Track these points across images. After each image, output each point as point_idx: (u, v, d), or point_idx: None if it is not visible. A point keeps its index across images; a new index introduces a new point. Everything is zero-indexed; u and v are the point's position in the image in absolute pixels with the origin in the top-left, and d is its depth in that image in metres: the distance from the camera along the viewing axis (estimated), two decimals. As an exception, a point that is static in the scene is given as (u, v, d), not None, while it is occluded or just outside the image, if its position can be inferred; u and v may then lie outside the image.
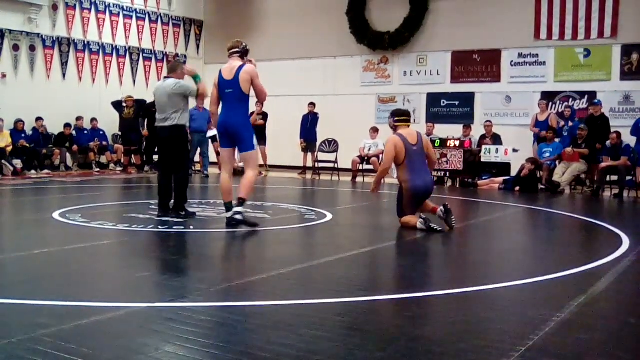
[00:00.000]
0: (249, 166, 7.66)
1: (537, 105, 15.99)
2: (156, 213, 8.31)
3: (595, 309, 4.51)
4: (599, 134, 13.71)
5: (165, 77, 8.56)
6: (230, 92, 7.47)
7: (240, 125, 7.53)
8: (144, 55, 19.69)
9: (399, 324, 3.97)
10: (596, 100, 14.49)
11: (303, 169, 17.66)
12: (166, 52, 20.35)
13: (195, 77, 8.41)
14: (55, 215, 8.37)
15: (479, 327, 3.98)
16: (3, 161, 15.12)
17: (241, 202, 7.45)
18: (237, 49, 7.78)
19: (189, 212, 8.38)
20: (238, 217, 7.36)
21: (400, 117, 8.19)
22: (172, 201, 8.33)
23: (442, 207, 7.72)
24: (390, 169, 8.29)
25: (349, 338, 3.67)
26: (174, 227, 7.53)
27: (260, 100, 7.84)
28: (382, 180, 8.36)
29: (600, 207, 11.85)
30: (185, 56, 20.94)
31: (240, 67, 7.51)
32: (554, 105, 16.06)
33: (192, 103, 17.86)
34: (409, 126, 8.16)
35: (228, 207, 7.60)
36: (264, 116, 17.65)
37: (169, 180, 8.36)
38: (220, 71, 7.71)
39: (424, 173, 7.89)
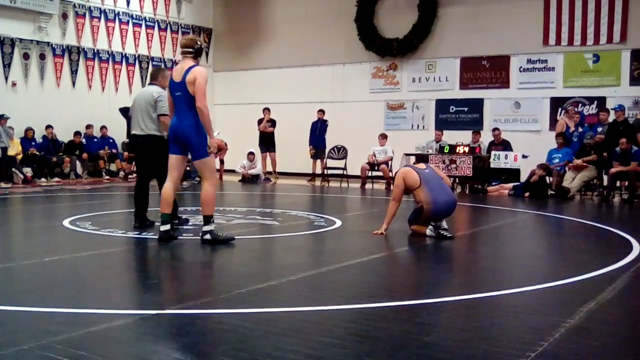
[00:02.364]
0: (204, 177, 7.09)
1: (545, 110, 16.07)
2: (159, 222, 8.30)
3: (605, 315, 4.49)
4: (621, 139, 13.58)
5: (149, 84, 8.27)
6: (179, 95, 6.86)
7: (190, 131, 6.85)
8: (154, 63, 19.75)
9: (409, 331, 3.97)
10: (617, 106, 14.36)
11: (312, 176, 17.68)
12: (175, 60, 20.42)
13: None
14: (66, 222, 8.41)
15: (489, 333, 3.98)
16: (13, 169, 15.22)
17: (206, 219, 7.03)
18: (189, 49, 6.99)
19: (153, 222, 8.08)
20: (207, 237, 6.97)
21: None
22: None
23: (431, 227, 7.69)
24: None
25: (359, 344, 3.67)
26: (184, 235, 7.55)
27: (197, 104, 6.74)
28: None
29: (610, 212, 11.80)
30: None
31: (190, 68, 6.85)
32: (563, 111, 16.02)
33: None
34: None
35: (164, 219, 7.07)
36: (273, 123, 17.71)
37: (146, 189, 8.13)
38: (171, 73, 7.15)
39: (446, 190, 7.83)
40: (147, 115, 7.89)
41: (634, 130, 13.75)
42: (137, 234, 7.52)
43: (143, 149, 8.06)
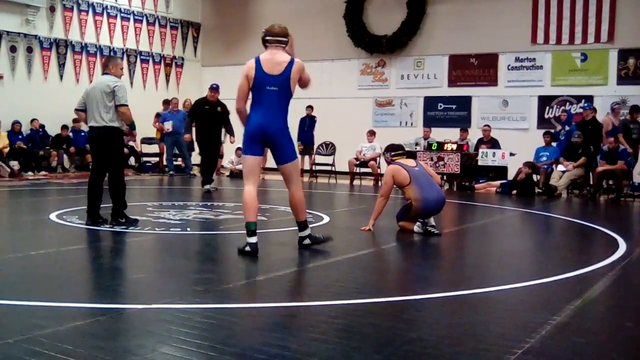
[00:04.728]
0: (294, 180, 6.56)
1: (533, 108, 16.17)
2: (153, 215, 8.27)
3: (591, 312, 4.52)
4: (590, 139, 13.76)
5: (102, 74, 8.03)
6: (274, 90, 6.29)
7: (282, 132, 6.42)
8: (142, 57, 19.69)
9: (395, 327, 3.97)
10: (585, 105, 14.55)
11: (300, 172, 17.65)
12: (163, 55, 20.37)
13: (130, 125, 7.96)
14: (52, 216, 8.36)
15: (475, 330, 3.99)
16: (0, 162, 15.11)
17: (303, 225, 6.62)
18: (284, 38, 6.53)
19: (129, 218, 7.81)
20: (307, 241, 6.56)
21: (396, 151, 8.21)
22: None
23: (419, 223, 7.70)
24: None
25: (345, 340, 3.67)
26: (171, 229, 7.52)
27: (304, 87, 6.61)
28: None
29: (596, 211, 11.86)
30: (183, 58, 20.99)
31: (292, 62, 6.36)
32: (550, 110, 16.10)
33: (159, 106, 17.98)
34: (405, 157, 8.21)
35: (251, 228, 6.24)
36: None
37: (100, 184, 7.84)
38: (258, 60, 6.36)
39: (435, 187, 7.85)
40: (103, 106, 7.63)
41: (600, 130, 13.88)
42: (124, 229, 7.48)
43: (99, 141, 7.79)
